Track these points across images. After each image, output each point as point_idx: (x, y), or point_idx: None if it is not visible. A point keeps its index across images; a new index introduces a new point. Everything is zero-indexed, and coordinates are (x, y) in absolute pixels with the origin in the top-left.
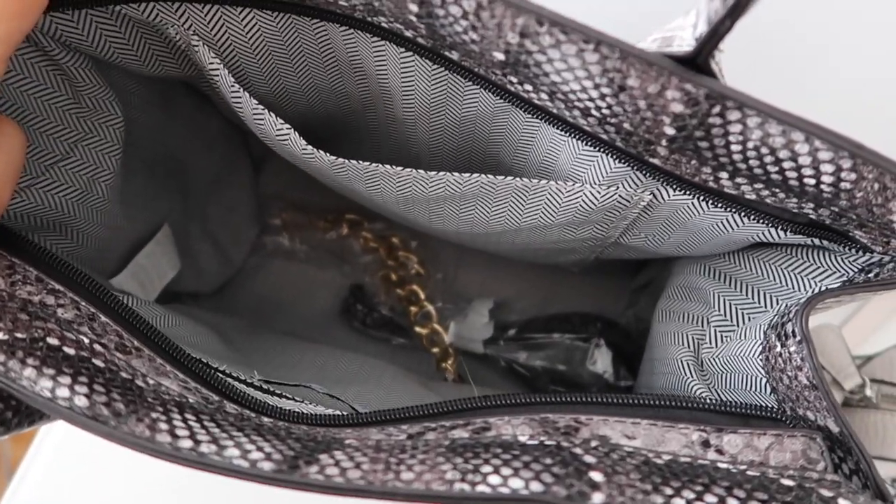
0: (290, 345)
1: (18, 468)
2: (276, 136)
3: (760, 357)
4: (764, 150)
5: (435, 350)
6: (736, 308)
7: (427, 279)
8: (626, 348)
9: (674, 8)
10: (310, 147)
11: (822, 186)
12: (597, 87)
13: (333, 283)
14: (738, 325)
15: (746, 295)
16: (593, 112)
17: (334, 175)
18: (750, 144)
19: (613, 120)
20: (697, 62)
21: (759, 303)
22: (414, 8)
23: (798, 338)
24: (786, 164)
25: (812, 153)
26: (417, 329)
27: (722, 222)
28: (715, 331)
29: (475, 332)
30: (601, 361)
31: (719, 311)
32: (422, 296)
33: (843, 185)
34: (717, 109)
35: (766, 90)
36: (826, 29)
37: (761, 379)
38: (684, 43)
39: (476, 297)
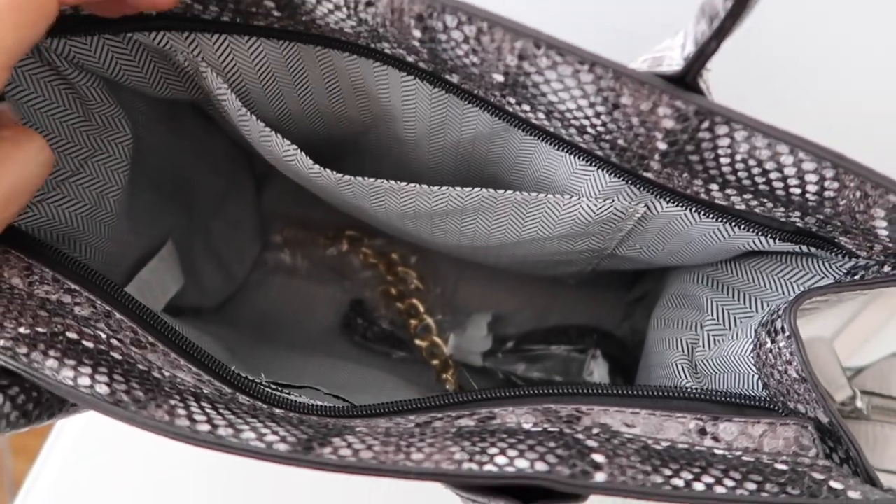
0: (292, 357)
1: (23, 485)
2: (283, 156)
3: (752, 355)
4: (751, 162)
5: (435, 362)
6: (728, 313)
7: (426, 293)
8: (622, 360)
9: (661, 30)
10: (316, 166)
11: (808, 195)
12: (592, 105)
13: (334, 299)
14: (729, 329)
15: (738, 300)
16: (589, 129)
17: (340, 192)
18: (738, 157)
19: (608, 136)
20: (686, 80)
21: (751, 307)
22: (417, 34)
23: (787, 333)
24: (772, 175)
25: (797, 164)
26: (417, 342)
27: (714, 232)
28: (708, 334)
29: (474, 344)
30: (597, 372)
31: (712, 315)
32: (421, 309)
33: (826, 193)
34: (706, 124)
35: (751, 105)
36: (807, 44)
37: (753, 376)
38: (673, 63)
39: (475, 311)
